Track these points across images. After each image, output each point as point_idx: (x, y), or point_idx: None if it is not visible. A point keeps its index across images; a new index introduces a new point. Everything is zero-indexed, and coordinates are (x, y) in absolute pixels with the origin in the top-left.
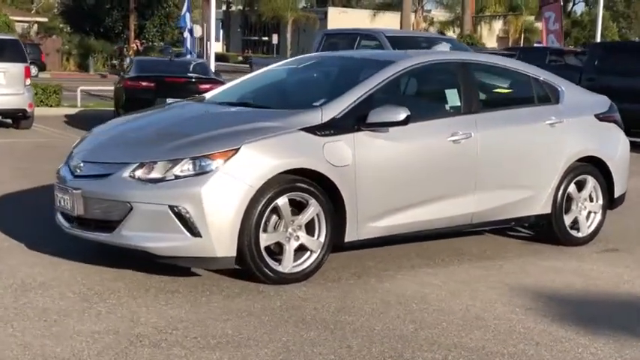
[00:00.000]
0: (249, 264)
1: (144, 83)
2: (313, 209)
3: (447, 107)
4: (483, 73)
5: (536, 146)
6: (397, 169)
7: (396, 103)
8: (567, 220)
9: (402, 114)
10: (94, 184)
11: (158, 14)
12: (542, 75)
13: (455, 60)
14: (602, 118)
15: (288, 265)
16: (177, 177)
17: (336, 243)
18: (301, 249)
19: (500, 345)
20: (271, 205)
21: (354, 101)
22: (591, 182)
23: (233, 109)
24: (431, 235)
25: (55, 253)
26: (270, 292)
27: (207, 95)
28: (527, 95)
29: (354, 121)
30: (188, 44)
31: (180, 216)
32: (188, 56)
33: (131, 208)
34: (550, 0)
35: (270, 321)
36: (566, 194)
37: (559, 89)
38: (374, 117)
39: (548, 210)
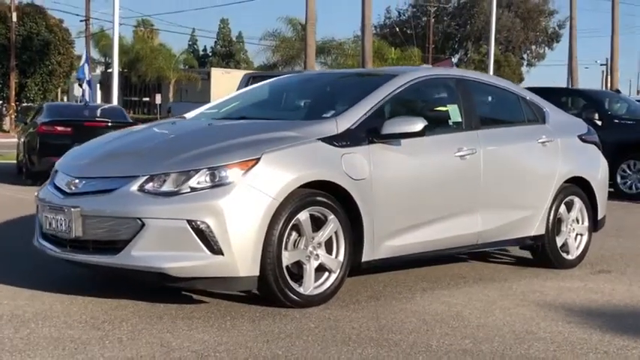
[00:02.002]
0: (272, 284)
1: (60, 128)
2: (333, 226)
3: (451, 122)
4: (479, 89)
5: (532, 165)
6: (410, 184)
7: (402, 115)
8: (559, 241)
9: (419, 124)
10: (95, 200)
11: (40, 72)
12: (528, 95)
13: (453, 76)
14: (584, 139)
15: (309, 286)
16: (193, 189)
17: (353, 263)
18: (319, 269)
19: (569, 355)
20: (293, 220)
21: (366, 112)
22: (578, 204)
23: (238, 122)
24: (433, 259)
25: (28, 285)
26: (295, 314)
27: (189, 115)
28: (519, 114)
29: (367, 132)
30: (87, 96)
31: (199, 232)
32: None
33: (143, 225)
34: (441, 57)
35: (316, 341)
36: (557, 215)
37: (544, 110)
38: (390, 128)
39: (542, 231)
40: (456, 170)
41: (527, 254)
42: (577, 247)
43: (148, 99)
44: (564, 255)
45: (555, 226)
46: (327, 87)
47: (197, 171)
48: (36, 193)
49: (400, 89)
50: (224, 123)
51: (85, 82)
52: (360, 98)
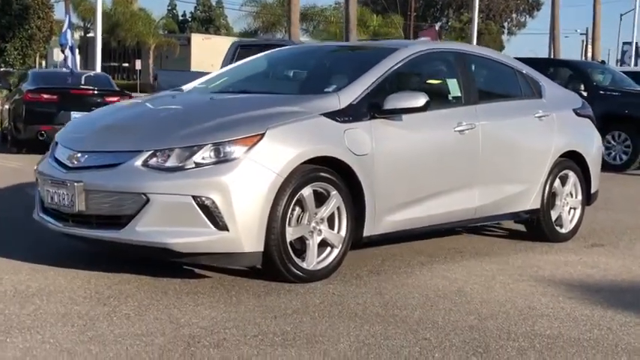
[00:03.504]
0: (275, 260)
1: (46, 95)
2: (335, 201)
3: (450, 97)
4: (477, 64)
5: (529, 139)
6: (411, 159)
7: (403, 90)
8: (553, 215)
9: (422, 99)
10: (99, 175)
11: (19, 36)
12: (525, 68)
13: (453, 49)
14: (579, 113)
15: (312, 261)
16: (197, 165)
17: (354, 238)
18: (321, 244)
19: (574, 331)
20: (296, 196)
21: (368, 87)
22: (572, 178)
23: (240, 95)
24: (430, 233)
25: (28, 258)
26: (299, 289)
27: (186, 87)
28: (516, 88)
29: (369, 107)
30: (69, 62)
31: (205, 208)
32: None
33: (147, 201)
34: (425, 26)
35: (323, 317)
36: (552, 190)
37: (540, 83)
38: (392, 103)
39: (537, 205)
40: (455, 145)
41: (521, 227)
42: (570, 221)
43: (127, 64)
44: (558, 228)
45: (550, 200)
46: (327, 60)
47: (201, 146)
48: (35, 167)
49: (401, 63)
50: (226, 97)
51: (67, 47)
52: (362, 73)
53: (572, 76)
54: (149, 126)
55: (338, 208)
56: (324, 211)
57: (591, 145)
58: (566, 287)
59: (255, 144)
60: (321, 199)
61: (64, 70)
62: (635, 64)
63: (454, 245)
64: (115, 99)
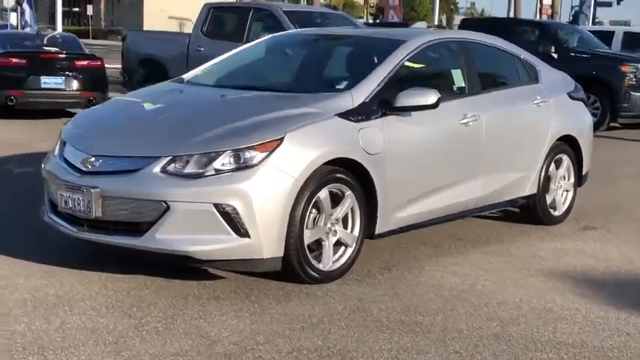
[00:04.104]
0: (294, 264)
1: (15, 60)
2: (350, 201)
3: (455, 88)
4: (478, 52)
5: (528, 127)
6: (420, 154)
7: (412, 84)
8: (548, 199)
9: (434, 96)
10: (117, 181)
11: None
12: (522, 53)
13: (456, 39)
14: (572, 96)
15: (328, 262)
16: (217, 171)
17: (366, 236)
18: (335, 244)
19: (595, 338)
20: (314, 199)
21: (379, 84)
22: (566, 161)
23: (250, 94)
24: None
25: (36, 257)
26: (317, 292)
27: (187, 77)
28: (515, 75)
29: (380, 105)
30: (27, 17)
31: (226, 215)
32: (28, 29)
33: (167, 208)
34: None
35: (350, 327)
36: (547, 174)
37: (537, 68)
38: (404, 100)
39: (534, 190)
40: (461, 137)
41: (514, 209)
42: (563, 203)
43: (77, 9)
44: (552, 211)
45: (545, 184)
46: (331, 52)
47: (221, 152)
48: (43, 165)
49: (409, 56)
50: (237, 96)
51: (24, 0)
52: (371, 68)
53: (543, 37)
54: (164, 129)
55: (352, 208)
56: (339, 212)
57: (584, 127)
58: (573, 282)
59: (275, 149)
60: (335, 199)
61: (28, 30)
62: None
63: (454, 232)
64: (85, 63)
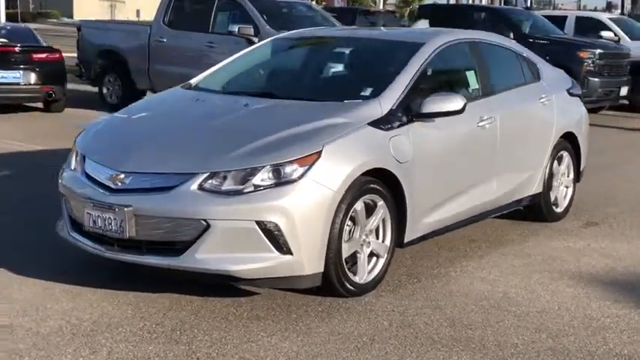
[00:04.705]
0: (333, 278)
1: None
2: (382, 212)
3: (471, 90)
4: (488, 52)
5: (536, 126)
6: (444, 159)
7: (431, 88)
8: (552, 196)
9: (460, 102)
10: (151, 199)
11: None
12: (524, 51)
13: (468, 39)
14: (571, 93)
15: (363, 274)
16: (257, 187)
17: (396, 244)
18: (368, 255)
19: None
20: (350, 211)
21: (404, 90)
22: (567, 158)
23: (274, 102)
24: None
25: (56, 276)
26: (356, 306)
27: (195, 82)
28: (521, 74)
29: (406, 111)
30: None
31: (268, 232)
32: None
33: (207, 227)
34: None
35: (405, 345)
36: (551, 171)
37: (538, 65)
38: (430, 106)
39: (540, 189)
40: (479, 140)
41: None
42: (564, 200)
43: None
44: (554, 208)
45: (549, 181)
46: (347, 55)
47: (260, 168)
48: (60, 180)
49: (428, 60)
50: (261, 105)
51: None
52: (394, 73)
53: (500, 23)
54: (196, 143)
55: (383, 218)
56: (373, 223)
57: (582, 124)
58: (601, 286)
59: (314, 163)
60: (368, 209)
61: None
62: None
63: (463, 233)
64: (43, 56)
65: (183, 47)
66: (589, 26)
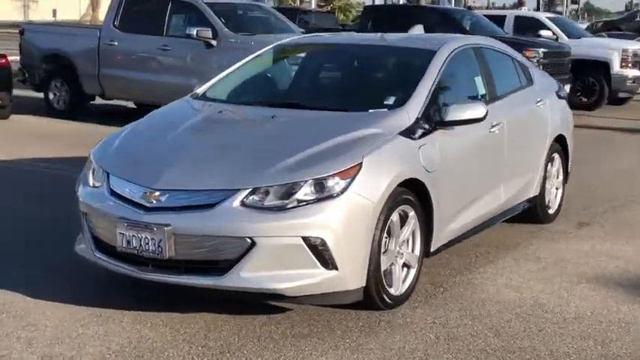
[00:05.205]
0: (373, 292)
1: None
2: (414, 222)
3: (479, 96)
4: (489, 57)
5: (535, 129)
6: (463, 166)
7: (447, 96)
8: (546, 198)
9: (483, 109)
10: (191, 218)
11: None
12: (517, 55)
13: (472, 45)
14: (560, 95)
15: (398, 286)
16: (300, 202)
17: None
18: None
19: None
20: (388, 223)
21: (426, 98)
22: (557, 160)
23: (299, 113)
24: None
25: (80, 301)
26: (396, 320)
27: (202, 91)
28: (517, 78)
29: (428, 119)
30: None
31: (314, 248)
32: None
33: (252, 244)
34: None
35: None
36: (546, 174)
37: (530, 69)
38: (454, 114)
39: (538, 191)
40: (491, 145)
41: None
42: (556, 201)
43: None
44: (548, 210)
45: (544, 184)
46: (361, 63)
47: (302, 183)
48: (80, 199)
49: (443, 67)
50: (288, 116)
51: None
52: (415, 81)
53: (445, 23)
54: (231, 158)
55: (414, 229)
56: (405, 233)
57: (570, 126)
58: (622, 289)
59: (356, 175)
60: (401, 221)
61: None
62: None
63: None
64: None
65: (136, 51)
66: (528, 25)
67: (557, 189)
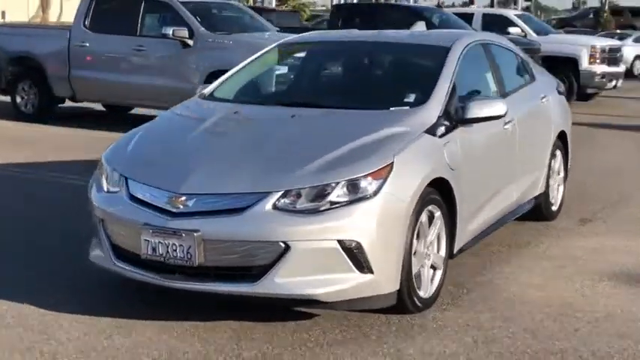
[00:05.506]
0: (405, 295)
1: None
2: (440, 222)
3: (491, 92)
4: (497, 53)
5: (541, 125)
6: (482, 164)
7: (463, 92)
8: (551, 195)
9: (503, 106)
10: (222, 223)
11: None
12: (519, 51)
13: (480, 40)
14: (560, 92)
15: (427, 288)
16: (333, 204)
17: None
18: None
19: None
20: (417, 224)
21: (446, 95)
22: (559, 156)
23: (319, 112)
24: None
25: (98, 310)
26: (429, 324)
27: (209, 91)
28: (522, 74)
29: (449, 117)
30: None
31: (349, 251)
32: None
33: (287, 249)
34: None
35: None
36: (550, 170)
37: (530, 65)
38: (475, 111)
39: (544, 188)
40: (505, 142)
41: None
42: (558, 198)
43: None
44: (551, 207)
45: (549, 181)
46: (378, 61)
47: (335, 184)
48: (95, 204)
49: (458, 63)
50: (309, 116)
51: None
52: (433, 78)
53: (413, 20)
54: (257, 160)
55: (440, 229)
56: (432, 234)
57: (569, 122)
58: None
59: (388, 175)
60: (429, 221)
61: None
62: None
63: None
64: None
65: (109, 51)
66: (496, 23)
67: (559, 186)
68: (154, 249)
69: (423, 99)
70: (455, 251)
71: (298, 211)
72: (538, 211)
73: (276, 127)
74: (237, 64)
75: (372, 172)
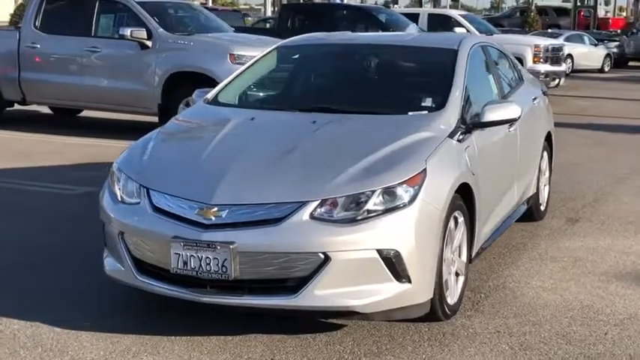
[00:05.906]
0: (436, 303)
1: None
2: (463, 228)
3: (493, 95)
4: (493, 54)
5: (535, 126)
6: (493, 168)
7: (474, 95)
8: (540, 196)
9: (518, 109)
10: (259, 234)
11: None
12: (508, 52)
13: (479, 42)
14: (544, 92)
15: (453, 295)
16: (370, 213)
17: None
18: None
19: None
20: (447, 230)
21: (461, 98)
22: (546, 157)
23: (339, 117)
24: None
25: (118, 327)
26: (460, 331)
27: (212, 96)
28: (514, 76)
29: (464, 120)
30: None
31: (388, 261)
32: None
33: (326, 260)
34: None
35: None
36: (539, 171)
37: (518, 66)
38: (491, 115)
39: (535, 189)
40: (510, 145)
41: None
42: (545, 198)
43: None
44: (541, 207)
45: (539, 181)
46: (388, 64)
47: (371, 193)
48: (112, 215)
49: (467, 66)
50: (331, 122)
51: None
52: (447, 81)
53: (361, 19)
54: (288, 169)
55: (463, 235)
56: (457, 240)
57: (553, 122)
58: None
59: (423, 182)
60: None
61: None
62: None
63: None
64: None
65: (61, 53)
66: (441, 22)
67: (545, 186)
68: (185, 263)
69: (440, 103)
70: (472, 256)
71: (335, 220)
72: (529, 211)
73: (300, 134)
74: (199, 65)
75: (408, 179)
